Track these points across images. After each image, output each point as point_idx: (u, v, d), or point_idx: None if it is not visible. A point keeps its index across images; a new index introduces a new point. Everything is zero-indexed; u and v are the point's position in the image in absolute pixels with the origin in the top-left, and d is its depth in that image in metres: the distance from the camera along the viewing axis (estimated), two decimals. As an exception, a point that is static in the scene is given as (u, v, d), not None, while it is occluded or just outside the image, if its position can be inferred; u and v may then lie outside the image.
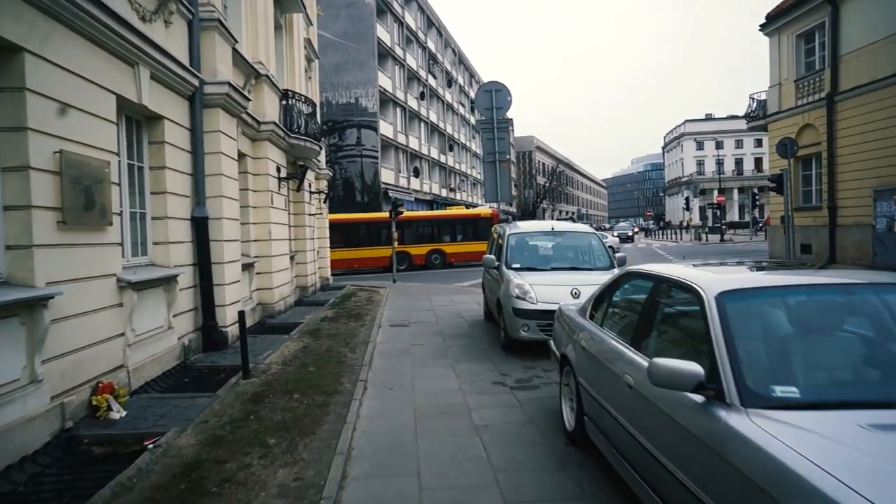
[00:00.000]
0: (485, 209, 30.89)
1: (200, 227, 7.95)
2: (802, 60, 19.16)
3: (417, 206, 42.35)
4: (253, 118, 10.53)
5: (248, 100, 9.20)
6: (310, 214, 15.68)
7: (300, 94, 13.31)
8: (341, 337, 9.37)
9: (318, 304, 13.99)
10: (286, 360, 7.64)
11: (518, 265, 8.66)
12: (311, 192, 15.79)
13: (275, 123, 11.18)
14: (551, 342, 5.58)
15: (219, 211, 8.24)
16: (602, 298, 4.52)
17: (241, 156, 10.49)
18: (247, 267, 10.37)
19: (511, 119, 15.93)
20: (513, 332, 7.88)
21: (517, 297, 7.84)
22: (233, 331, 8.55)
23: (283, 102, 12.59)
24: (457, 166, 56.17)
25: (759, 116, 21.44)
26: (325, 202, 16.94)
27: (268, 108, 11.21)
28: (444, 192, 50.39)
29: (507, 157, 13.32)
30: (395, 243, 20.58)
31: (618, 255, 8.93)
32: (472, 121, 64.28)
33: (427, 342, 9.18)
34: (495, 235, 10.60)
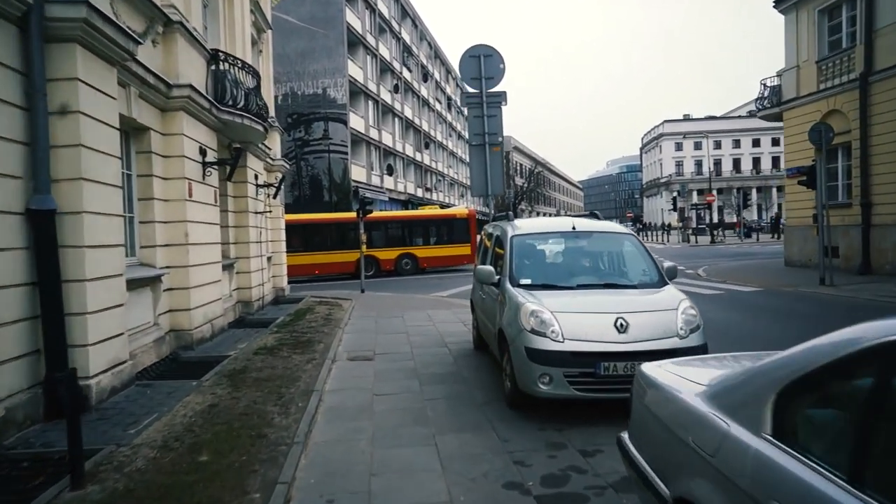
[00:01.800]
0: (461, 209, 27.99)
1: (42, 226, 5.11)
2: (826, 39, 16.94)
3: (392, 206, 39.52)
4: (159, 78, 7.69)
5: (139, 42, 6.36)
6: (256, 213, 12.83)
7: (238, 59, 10.47)
8: (275, 383, 6.58)
9: (262, 324, 11.14)
10: (170, 438, 4.82)
11: (528, 281, 5.99)
12: (258, 186, 12.94)
13: (192, 88, 8.33)
14: (630, 448, 2.90)
15: (76, 201, 5.39)
16: (844, 391, 1.84)
17: (142, 129, 7.65)
18: (147, 283, 7.51)
19: (504, 92, 13.55)
20: (526, 385, 5.20)
21: (533, 332, 5.16)
22: (104, 382, 5.70)
23: (213, 67, 9.76)
24: (433, 165, 53.49)
25: (771, 104, 19.20)
26: (274, 197, 14.07)
27: (184, 67, 8.37)
28: (419, 192, 47.65)
29: (500, 139, 10.67)
30: (364, 247, 17.81)
31: (666, 264, 6.31)
32: (449, 118, 61.69)
33: (397, 390, 6.44)
34: (488, 240, 7.94)
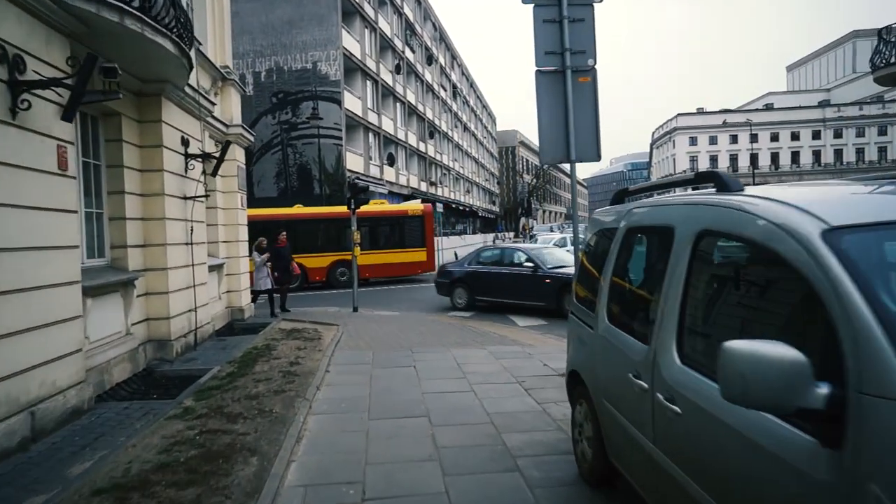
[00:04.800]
0: (414, 205, 22.00)
1: None
2: None
3: (392, 200, 34.87)
4: None
5: None
6: (185, 198, 8.18)
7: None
8: None
9: (174, 385, 6.50)
10: None
11: None
12: (187, 157, 8.28)
13: None
14: None
15: None
16: None
17: None
18: None
19: (600, -20, 7.75)
20: None
21: None
22: None
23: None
24: (438, 157, 48.79)
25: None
26: (213, 174, 9.25)
27: None
28: (423, 186, 42.95)
29: (592, 62, 6.05)
30: (357, 248, 13.14)
31: None
32: (455, 107, 56.95)
33: None
34: (623, 266, 3.36)
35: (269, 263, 11.96)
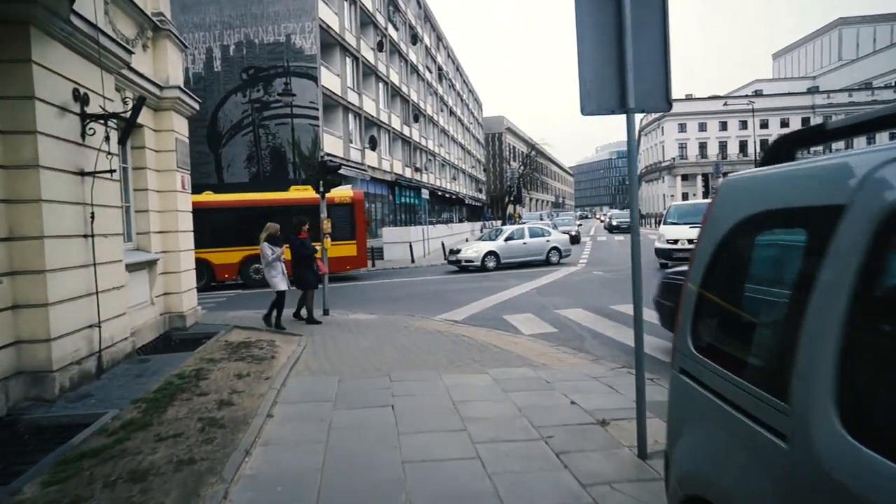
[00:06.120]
0: (342, 191, 18.30)
1: None
2: None
3: (374, 186, 32.68)
4: None
5: None
6: (80, 173, 5.99)
7: None
8: None
9: (53, 435, 4.38)
10: None
11: None
12: (87, 118, 6.07)
13: None
14: None
15: None
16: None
17: None
18: None
19: None
20: None
21: None
22: None
23: None
24: (423, 142, 46.49)
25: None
26: (121, 142, 6.93)
27: None
28: (408, 172, 40.72)
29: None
30: (327, 240, 11.00)
31: None
32: (440, 90, 54.56)
33: None
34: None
35: (283, 259, 9.66)
